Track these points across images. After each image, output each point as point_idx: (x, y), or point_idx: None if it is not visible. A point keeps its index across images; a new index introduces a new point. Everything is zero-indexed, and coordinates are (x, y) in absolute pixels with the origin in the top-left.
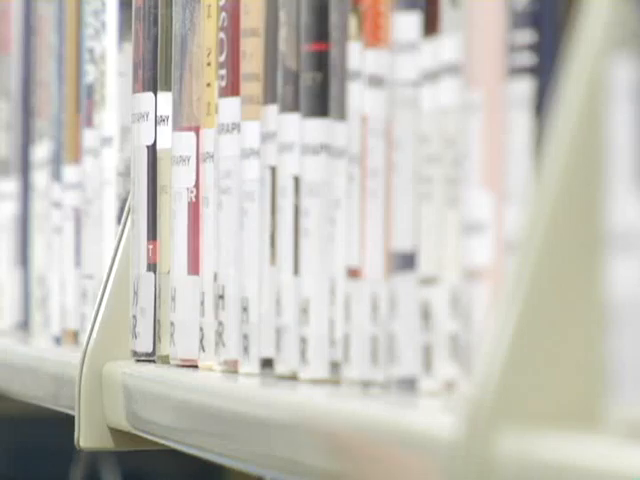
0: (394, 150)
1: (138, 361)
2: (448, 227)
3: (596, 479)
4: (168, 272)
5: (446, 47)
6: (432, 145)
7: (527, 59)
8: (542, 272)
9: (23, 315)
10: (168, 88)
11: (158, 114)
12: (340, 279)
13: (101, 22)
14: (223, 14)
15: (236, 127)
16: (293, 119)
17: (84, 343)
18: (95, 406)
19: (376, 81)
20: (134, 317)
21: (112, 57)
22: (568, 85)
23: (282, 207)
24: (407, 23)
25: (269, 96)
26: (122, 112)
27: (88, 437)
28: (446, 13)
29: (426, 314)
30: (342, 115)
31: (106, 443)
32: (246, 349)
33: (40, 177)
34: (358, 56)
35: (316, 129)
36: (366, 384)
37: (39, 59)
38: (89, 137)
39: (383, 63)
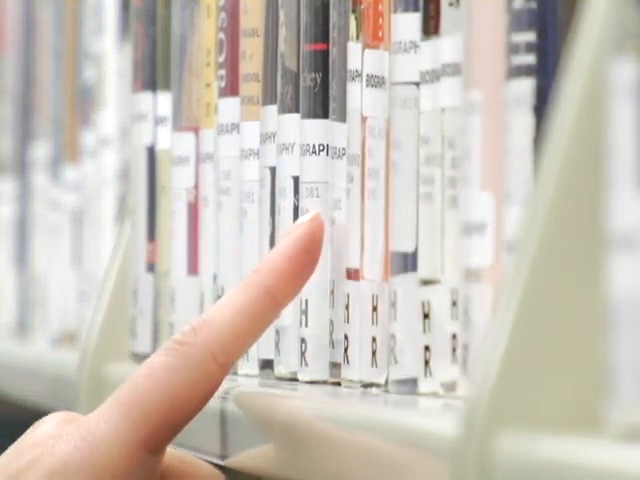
0: (394, 150)
1: (137, 362)
2: (448, 227)
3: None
4: (167, 273)
5: (446, 47)
6: (432, 145)
7: (527, 59)
8: (541, 273)
9: (21, 316)
10: (167, 88)
11: (157, 114)
12: (340, 280)
13: (100, 22)
14: (222, 14)
15: (235, 127)
16: (293, 119)
17: (83, 344)
18: (94, 408)
19: (376, 81)
20: (133, 318)
21: (111, 57)
22: (568, 85)
23: (282, 208)
24: (407, 23)
25: (269, 96)
26: (121, 112)
27: None
28: (446, 13)
29: (426, 315)
30: (342, 115)
31: None
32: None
33: (39, 177)
34: (358, 56)
35: (316, 129)
36: (366, 385)
37: (38, 58)
38: (88, 137)
39: (383, 63)
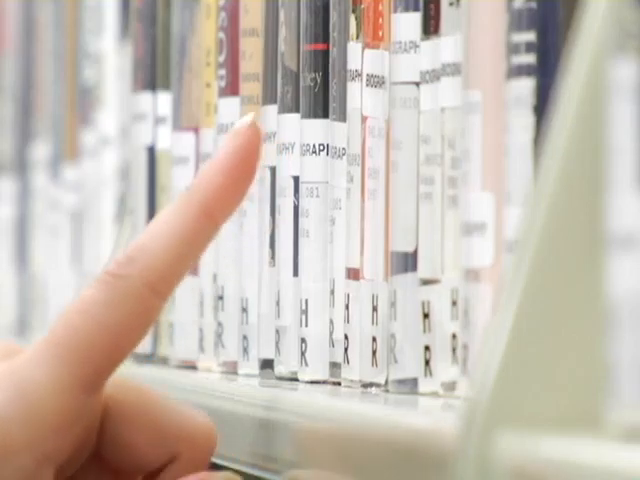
0: (394, 150)
1: (137, 362)
2: (448, 227)
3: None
4: None
5: (446, 47)
6: (432, 145)
7: (527, 59)
8: (541, 273)
9: (21, 316)
10: (167, 88)
11: (157, 114)
12: (340, 280)
13: (100, 22)
14: (222, 14)
15: None
16: (293, 119)
17: None
18: None
19: (376, 81)
20: None
21: (111, 57)
22: (568, 85)
23: (282, 207)
24: (407, 23)
25: (269, 96)
26: (121, 112)
27: None
28: (446, 13)
29: (426, 315)
30: (342, 115)
31: None
32: (245, 350)
33: (39, 177)
34: (358, 56)
35: (316, 129)
36: (366, 385)
37: (38, 58)
38: (88, 137)
39: (383, 63)
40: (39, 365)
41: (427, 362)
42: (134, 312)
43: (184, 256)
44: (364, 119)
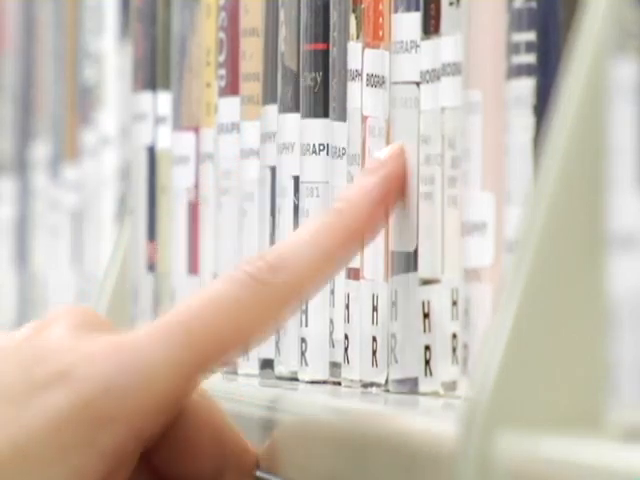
0: None
1: None
2: (448, 227)
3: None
4: (167, 273)
5: (446, 47)
6: (432, 145)
7: (527, 59)
8: (541, 273)
9: (21, 316)
10: (167, 88)
11: (157, 114)
12: (340, 280)
13: (100, 22)
14: (222, 14)
15: (235, 127)
16: (293, 119)
17: None
18: None
19: (376, 81)
20: (133, 318)
21: (111, 57)
22: (568, 85)
23: (282, 207)
24: (407, 23)
25: (269, 96)
26: (121, 112)
27: None
28: (446, 13)
29: (426, 315)
30: (342, 115)
31: None
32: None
33: (39, 177)
34: (358, 56)
35: (316, 129)
36: (366, 385)
37: (38, 58)
38: (88, 137)
39: (383, 63)
40: (159, 342)
41: (427, 362)
42: (264, 318)
43: (325, 274)
44: (364, 119)
